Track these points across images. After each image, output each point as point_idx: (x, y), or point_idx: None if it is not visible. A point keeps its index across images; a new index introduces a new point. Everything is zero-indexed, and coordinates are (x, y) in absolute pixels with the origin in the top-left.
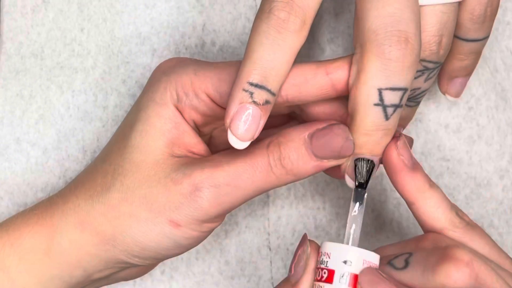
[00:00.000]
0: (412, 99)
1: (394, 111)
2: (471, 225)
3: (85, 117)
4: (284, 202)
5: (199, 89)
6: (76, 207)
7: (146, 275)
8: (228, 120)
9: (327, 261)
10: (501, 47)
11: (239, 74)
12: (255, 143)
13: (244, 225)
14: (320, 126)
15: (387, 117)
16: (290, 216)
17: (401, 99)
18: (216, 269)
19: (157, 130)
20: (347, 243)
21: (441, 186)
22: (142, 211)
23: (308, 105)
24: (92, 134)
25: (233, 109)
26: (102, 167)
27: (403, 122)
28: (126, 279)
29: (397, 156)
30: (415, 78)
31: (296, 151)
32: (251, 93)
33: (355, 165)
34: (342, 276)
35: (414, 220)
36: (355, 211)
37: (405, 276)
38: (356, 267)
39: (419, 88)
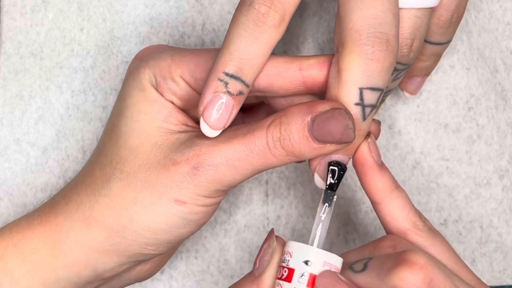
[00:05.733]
0: None
1: (371, 111)
2: (433, 231)
3: (85, 117)
4: (284, 201)
5: (175, 73)
6: (79, 205)
7: None
8: (201, 108)
9: (288, 260)
10: (501, 47)
11: (216, 63)
12: (257, 121)
13: (243, 224)
14: (322, 108)
15: (364, 117)
16: (290, 215)
17: (377, 100)
18: (216, 268)
19: (147, 114)
20: (312, 244)
21: (440, 186)
22: (146, 195)
23: (276, 98)
24: (91, 134)
25: (207, 97)
26: (97, 160)
27: None
28: (138, 279)
29: (368, 154)
30: None
31: (297, 133)
32: (226, 83)
33: (328, 168)
34: (301, 276)
35: None
36: (323, 213)
37: (362, 278)
38: (316, 268)
39: (386, 87)
